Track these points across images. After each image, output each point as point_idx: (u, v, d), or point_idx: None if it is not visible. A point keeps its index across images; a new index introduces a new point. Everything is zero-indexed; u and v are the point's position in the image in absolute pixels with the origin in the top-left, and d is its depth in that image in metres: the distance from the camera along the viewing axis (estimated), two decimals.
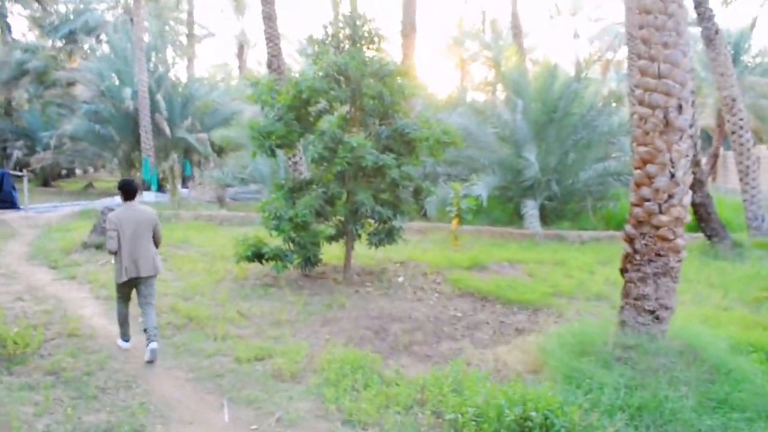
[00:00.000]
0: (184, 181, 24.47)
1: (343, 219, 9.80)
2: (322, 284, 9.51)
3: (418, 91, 11.54)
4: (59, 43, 31.84)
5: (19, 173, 19.74)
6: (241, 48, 41.91)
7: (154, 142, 23.73)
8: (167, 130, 24.22)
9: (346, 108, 9.98)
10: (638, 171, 5.76)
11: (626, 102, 15.99)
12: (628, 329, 5.65)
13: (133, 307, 6.56)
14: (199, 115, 26.46)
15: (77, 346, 6.40)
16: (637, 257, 5.69)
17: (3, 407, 4.92)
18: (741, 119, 13.68)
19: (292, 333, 7.09)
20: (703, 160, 17.81)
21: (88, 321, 7.35)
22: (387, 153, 9.37)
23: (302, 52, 32.06)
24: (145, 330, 6.23)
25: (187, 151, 26.53)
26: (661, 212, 5.59)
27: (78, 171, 36.66)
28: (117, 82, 25.53)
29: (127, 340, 6.48)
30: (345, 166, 8.97)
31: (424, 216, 15.32)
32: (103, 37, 31.40)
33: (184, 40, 38.80)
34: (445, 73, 63.96)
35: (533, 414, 4.43)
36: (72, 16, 31.84)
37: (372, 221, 9.93)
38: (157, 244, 6.53)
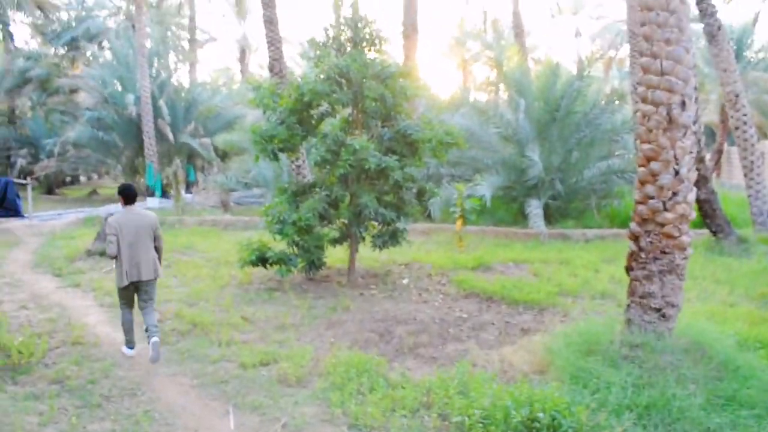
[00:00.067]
0: (188, 187, 24.50)
1: (346, 222, 9.79)
2: (327, 287, 9.49)
3: (421, 92, 11.52)
4: (62, 51, 31.94)
5: (23, 181, 19.79)
6: (243, 52, 41.96)
7: (158, 147, 23.77)
8: (170, 136, 24.26)
9: (348, 110, 9.97)
10: (642, 168, 5.72)
11: (629, 100, 15.90)
12: (635, 327, 5.61)
13: (138, 314, 6.56)
14: (202, 119, 26.51)
15: (82, 354, 6.39)
16: (643, 255, 5.65)
17: (8, 417, 4.91)
18: (745, 115, 13.62)
19: (297, 337, 7.07)
20: (707, 157, 17.70)
21: (92, 329, 7.34)
22: (390, 155, 9.35)
23: (304, 55, 32.08)
24: (146, 329, 6.31)
25: (191, 156, 26.58)
26: (665, 209, 5.55)
27: (82, 178, 36.77)
28: (120, 89, 25.61)
29: (131, 348, 6.48)
30: (348, 168, 8.95)
31: (428, 217, 15.28)
32: (105, 43, 31.47)
33: (186, 45, 38.88)
34: (447, 73, 63.97)
35: (540, 415, 4.40)
36: (74, 24, 31.97)
37: (376, 223, 9.91)
38: (159, 248, 6.54)
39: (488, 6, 61.75)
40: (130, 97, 23.82)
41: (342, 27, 9.90)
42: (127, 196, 6.44)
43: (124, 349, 6.49)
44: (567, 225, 15.36)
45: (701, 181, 11.00)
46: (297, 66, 35.98)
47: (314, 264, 9.66)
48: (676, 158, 5.50)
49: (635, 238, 5.74)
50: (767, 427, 4.51)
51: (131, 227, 6.28)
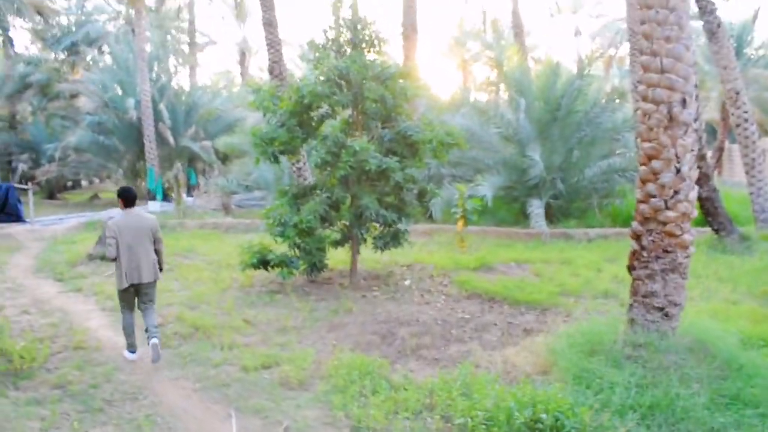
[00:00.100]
0: (189, 190, 24.51)
1: (348, 223, 9.77)
2: (329, 289, 9.47)
3: (421, 92, 11.51)
4: (62, 55, 31.98)
5: (24, 186, 19.81)
6: (243, 55, 42.00)
7: (159, 151, 23.78)
8: (171, 139, 24.28)
9: (348, 112, 9.95)
10: (643, 167, 5.70)
11: (630, 98, 15.90)
12: (638, 327, 5.58)
13: (139, 317, 6.55)
14: (203, 123, 26.53)
15: (83, 359, 6.38)
16: (645, 254, 5.63)
17: (10, 423, 4.90)
18: (745, 112, 13.59)
19: (299, 339, 7.05)
20: (709, 154, 17.68)
21: (94, 333, 7.33)
22: (390, 156, 9.33)
23: (304, 58, 32.08)
24: (146, 330, 6.34)
25: (192, 160, 26.59)
26: (667, 208, 5.53)
27: (83, 182, 36.81)
28: (120, 93, 25.62)
29: (133, 352, 6.46)
30: (348, 170, 8.94)
31: (430, 218, 15.26)
32: (105, 48, 31.53)
33: (186, 48, 38.93)
34: (447, 74, 63.89)
35: (543, 416, 4.38)
36: (74, 28, 31.99)
37: (377, 225, 9.89)
38: (160, 251, 6.56)
39: (487, 6, 61.62)
40: (131, 101, 23.84)
41: (341, 28, 9.89)
42: (127, 198, 6.45)
43: (126, 353, 6.47)
44: (569, 224, 15.34)
45: (703, 179, 10.98)
46: (297, 68, 35.98)
47: (316, 266, 9.64)
48: (677, 156, 5.48)
49: (637, 237, 5.72)
50: None
51: (131, 230, 6.30)
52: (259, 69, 46.04)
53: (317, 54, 9.87)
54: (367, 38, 9.76)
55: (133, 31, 27.00)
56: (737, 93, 13.51)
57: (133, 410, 5.18)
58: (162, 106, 24.34)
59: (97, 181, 37.80)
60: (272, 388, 5.60)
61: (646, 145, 5.64)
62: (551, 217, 15.12)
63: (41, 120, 30.79)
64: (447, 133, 9.57)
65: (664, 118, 5.49)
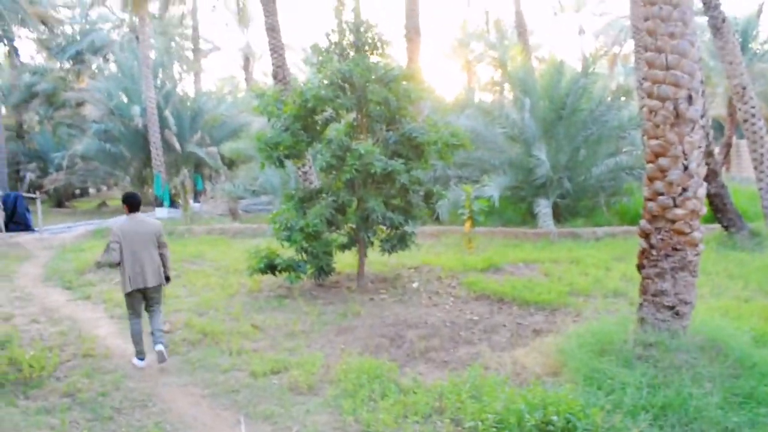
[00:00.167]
0: (196, 196, 24.60)
1: (354, 227, 9.75)
2: (336, 293, 9.45)
3: (425, 94, 11.47)
4: (67, 64, 32.18)
5: (33, 195, 19.90)
6: (246, 60, 42.06)
7: (165, 157, 23.86)
8: (177, 146, 24.36)
9: (352, 115, 9.95)
10: (650, 165, 5.66)
11: (635, 95, 15.83)
12: (648, 326, 5.54)
13: (146, 324, 6.55)
14: (208, 128, 26.60)
15: (92, 367, 6.37)
16: (654, 252, 5.59)
17: None
18: (753, 107, 13.49)
19: (307, 344, 7.03)
20: (716, 150, 17.61)
21: (102, 341, 7.33)
22: (395, 158, 9.31)
23: (307, 61, 32.11)
24: (152, 333, 6.42)
25: (198, 166, 26.67)
26: (675, 206, 5.48)
27: (91, 190, 36.96)
28: (125, 100, 25.74)
29: (142, 359, 6.46)
30: (354, 173, 8.93)
31: (437, 220, 15.23)
32: (109, 56, 31.70)
33: (190, 55, 39.08)
34: (451, 75, 63.97)
35: (554, 418, 4.34)
36: (78, 37, 32.20)
37: (384, 227, 9.87)
38: (164, 256, 6.58)
39: (490, 6, 61.80)
40: (136, 109, 23.93)
41: (344, 32, 9.88)
42: (131, 204, 6.52)
43: (135, 361, 6.48)
44: (576, 223, 15.28)
45: (711, 176, 10.90)
46: (301, 72, 36.07)
47: (323, 270, 9.62)
48: (684, 153, 5.44)
49: (646, 235, 5.68)
50: None
51: (135, 234, 6.36)
52: (263, 74, 46.14)
53: (320, 58, 9.87)
54: (370, 41, 9.75)
55: (137, 38, 27.12)
56: (744, 88, 13.41)
57: (142, 418, 5.17)
58: (167, 113, 24.43)
59: (104, 188, 37.96)
60: (281, 393, 5.58)
61: (653, 142, 5.60)
62: (559, 216, 15.06)
63: (48, 129, 31.01)
64: (452, 134, 9.55)
65: (670, 115, 5.45)
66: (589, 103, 15.84)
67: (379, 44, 9.79)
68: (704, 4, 13.12)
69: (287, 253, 9.65)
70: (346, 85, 9.46)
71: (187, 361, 6.56)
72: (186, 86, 39.72)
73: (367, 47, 9.76)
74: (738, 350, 5.23)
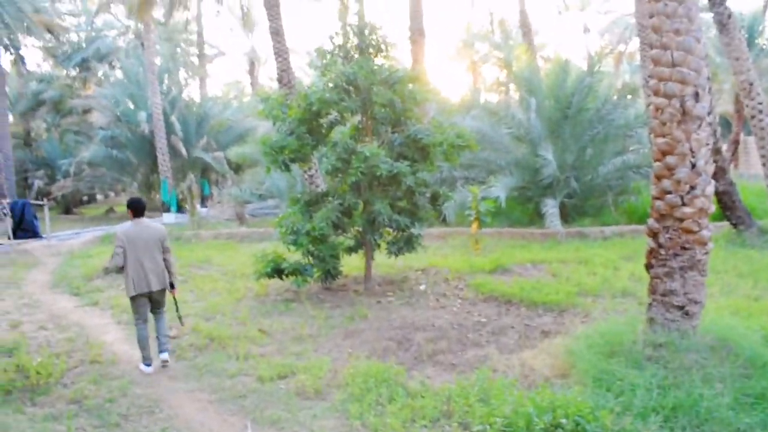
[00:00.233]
0: (203, 201, 24.61)
1: (360, 229, 9.72)
2: (343, 296, 9.43)
3: (430, 96, 11.45)
4: (73, 72, 32.29)
5: (40, 202, 19.97)
6: (252, 65, 42.17)
7: (172, 163, 23.92)
8: (183, 151, 24.41)
9: (357, 118, 9.93)
10: (658, 163, 5.61)
11: (641, 93, 15.74)
12: (657, 327, 5.48)
13: (153, 329, 6.55)
14: (214, 133, 26.64)
15: (99, 373, 6.37)
16: (662, 252, 5.53)
17: None
18: (760, 103, 13.40)
19: (315, 348, 7.01)
20: (724, 147, 17.49)
21: (110, 347, 7.33)
22: (401, 160, 9.29)
23: (312, 65, 32.16)
24: (157, 337, 6.51)
25: (205, 171, 26.70)
26: (684, 204, 5.43)
27: (99, 196, 37.11)
28: (132, 107, 25.82)
29: (149, 365, 6.46)
30: (359, 176, 8.90)
31: (443, 221, 15.18)
32: (115, 63, 31.79)
33: (195, 60, 39.18)
34: (456, 76, 63.89)
35: (563, 421, 4.30)
36: (84, 44, 32.32)
37: (390, 230, 9.84)
38: (168, 261, 6.60)
39: (494, 7, 61.71)
40: (143, 115, 23.99)
41: (348, 34, 9.86)
42: (136, 209, 6.57)
43: (142, 366, 6.47)
44: (584, 223, 15.19)
45: (719, 173, 10.84)
46: (306, 75, 36.12)
47: (330, 273, 9.60)
48: (692, 151, 5.38)
49: (654, 234, 5.62)
50: None
51: (139, 239, 6.41)
52: (268, 78, 46.31)
53: (325, 61, 9.85)
54: (374, 43, 9.72)
55: (142, 45, 27.21)
56: (751, 84, 13.32)
57: (149, 424, 5.16)
58: (173, 119, 24.48)
59: (112, 194, 38.11)
60: (288, 398, 5.55)
61: (660, 140, 5.55)
62: (566, 216, 14.99)
63: (55, 136, 31.14)
64: (458, 136, 9.51)
65: (677, 113, 5.40)
66: (595, 102, 15.76)
67: (383, 46, 9.76)
68: (709, 0, 13.04)
69: (294, 256, 9.64)
70: (351, 88, 9.44)
71: (194, 366, 6.55)
72: (192, 92, 39.62)
73: (371, 49, 9.73)
74: (749, 350, 5.17)
